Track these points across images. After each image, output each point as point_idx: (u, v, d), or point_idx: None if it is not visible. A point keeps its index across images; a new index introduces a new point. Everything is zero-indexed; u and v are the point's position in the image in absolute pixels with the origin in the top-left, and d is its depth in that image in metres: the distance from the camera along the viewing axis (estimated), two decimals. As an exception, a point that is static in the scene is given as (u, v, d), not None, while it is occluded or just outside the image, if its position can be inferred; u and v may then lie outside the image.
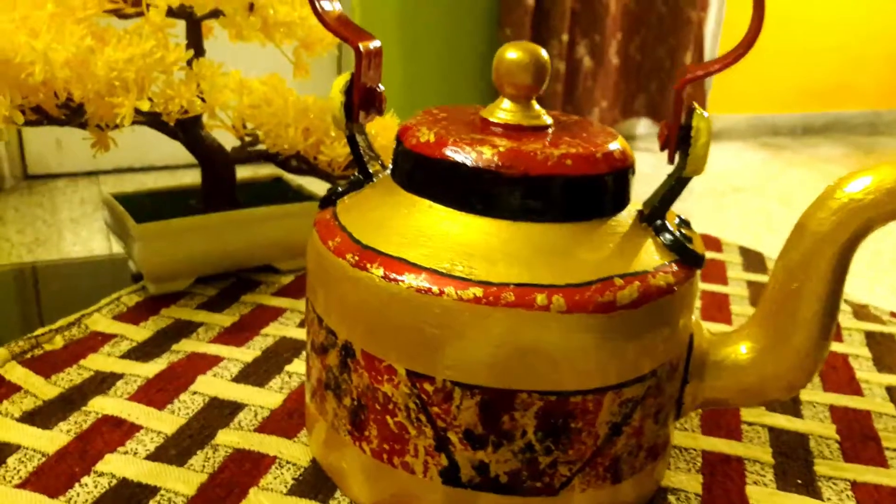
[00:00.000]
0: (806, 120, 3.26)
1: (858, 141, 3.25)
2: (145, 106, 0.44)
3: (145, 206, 0.57)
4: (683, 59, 2.83)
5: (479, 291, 0.30)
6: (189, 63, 0.49)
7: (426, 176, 0.34)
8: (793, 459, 0.42)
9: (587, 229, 0.33)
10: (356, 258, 0.32)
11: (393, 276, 0.31)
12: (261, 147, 0.58)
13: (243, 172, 0.61)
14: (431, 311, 0.30)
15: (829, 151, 3.08)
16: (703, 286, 0.62)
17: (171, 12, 0.49)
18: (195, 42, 0.52)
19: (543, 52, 0.35)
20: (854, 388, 0.50)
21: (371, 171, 0.39)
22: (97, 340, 0.48)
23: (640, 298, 0.31)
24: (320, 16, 0.36)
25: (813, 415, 0.46)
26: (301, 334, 0.51)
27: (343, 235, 0.34)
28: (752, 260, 0.68)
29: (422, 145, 0.34)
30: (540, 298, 0.30)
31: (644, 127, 3.02)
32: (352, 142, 0.39)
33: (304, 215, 0.58)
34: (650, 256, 0.33)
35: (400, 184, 0.35)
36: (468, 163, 0.32)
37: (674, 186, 0.34)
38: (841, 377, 0.51)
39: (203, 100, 0.48)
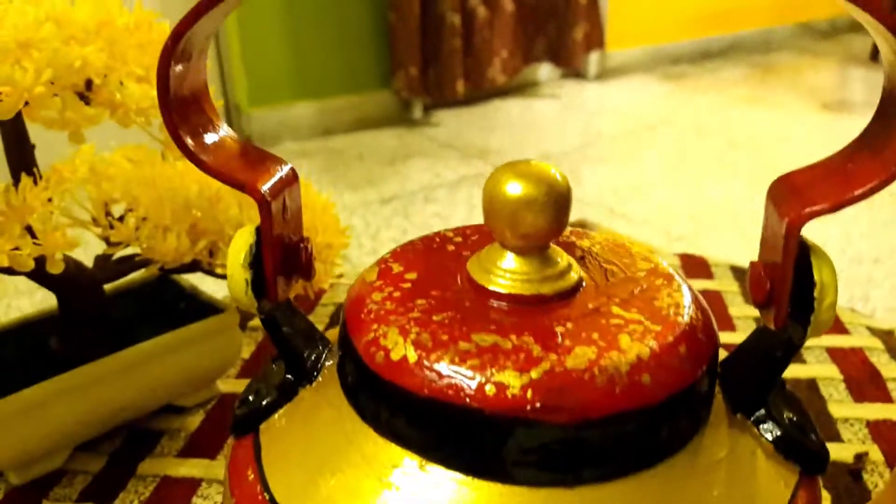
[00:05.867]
0: (704, 45, 3.23)
1: (756, 60, 3.24)
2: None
3: (-15, 360, 0.42)
4: (579, -2, 2.72)
5: None
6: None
7: (409, 419, 0.21)
8: None
9: (677, 473, 0.20)
10: (316, 589, 0.19)
11: None
12: (134, 249, 0.43)
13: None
14: None
15: (730, 74, 3.06)
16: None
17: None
18: (14, 140, 0.37)
19: (556, 174, 0.22)
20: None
21: (306, 360, 0.25)
22: None
23: (786, 585, 0.19)
24: (207, 168, 0.22)
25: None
26: (230, 525, 0.37)
27: (285, 529, 0.21)
28: (752, 284, 0.57)
29: (396, 368, 0.20)
30: None
31: (546, 71, 2.92)
32: (271, 327, 0.25)
33: (207, 337, 0.43)
34: (772, 488, 0.21)
35: (361, 414, 0.22)
36: (482, 406, 0.19)
37: (780, 358, 0.22)
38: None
39: (37, 240, 0.33)
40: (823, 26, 3.54)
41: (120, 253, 0.44)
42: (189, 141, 0.23)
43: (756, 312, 0.52)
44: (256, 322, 0.54)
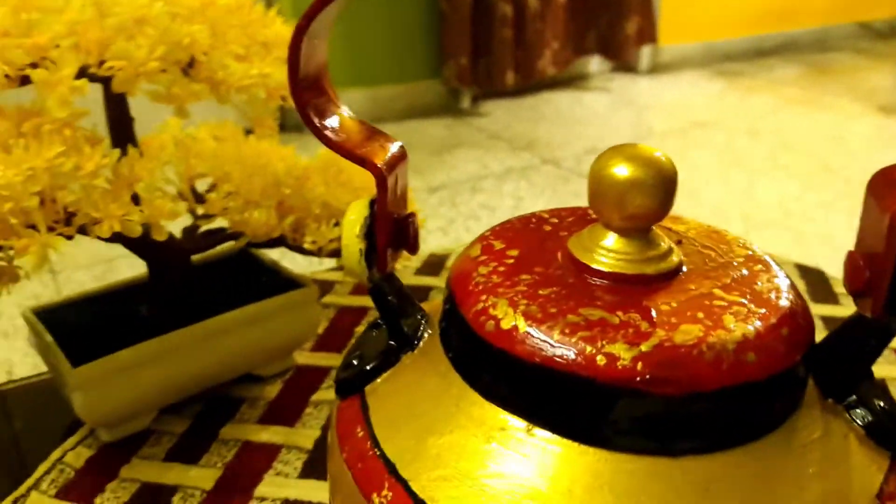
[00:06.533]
0: (758, 42, 3.17)
1: (811, 59, 3.18)
2: (60, 245, 0.31)
3: (79, 322, 0.44)
4: (632, -9, 2.70)
5: None
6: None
7: (519, 386, 0.22)
8: None
9: (774, 450, 0.21)
10: (430, 540, 0.21)
11: (501, 581, 0.19)
12: (220, 223, 0.45)
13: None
14: None
15: (784, 73, 3.01)
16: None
17: (83, 74, 0.35)
18: (118, 114, 0.39)
19: (663, 157, 0.23)
20: None
21: (406, 329, 0.27)
22: (38, 541, 0.36)
23: (880, 561, 0.20)
24: (328, 142, 0.24)
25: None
26: (309, 491, 0.39)
27: (395, 486, 0.22)
28: (817, 283, 0.57)
29: (506, 336, 0.22)
30: None
31: (596, 64, 2.90)
32: (378, 296, 0.26)
33: (288, 310, 0.45)
34: (864, 471, 0.22)
35: (468, 380, 0.23)
36: (593, 375, 0.20)
37: (875, 346, 0.23)
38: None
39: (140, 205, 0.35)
40: (882, 27, 3.46)
41: (205, 227, 0.46)
42: (314, 118, 0.24)
43: (823, 311, 0.53)
44: (329, 299, 0.56)
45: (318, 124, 0.24)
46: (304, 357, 0.49)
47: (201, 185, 0.47)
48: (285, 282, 0.47)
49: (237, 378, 0.47)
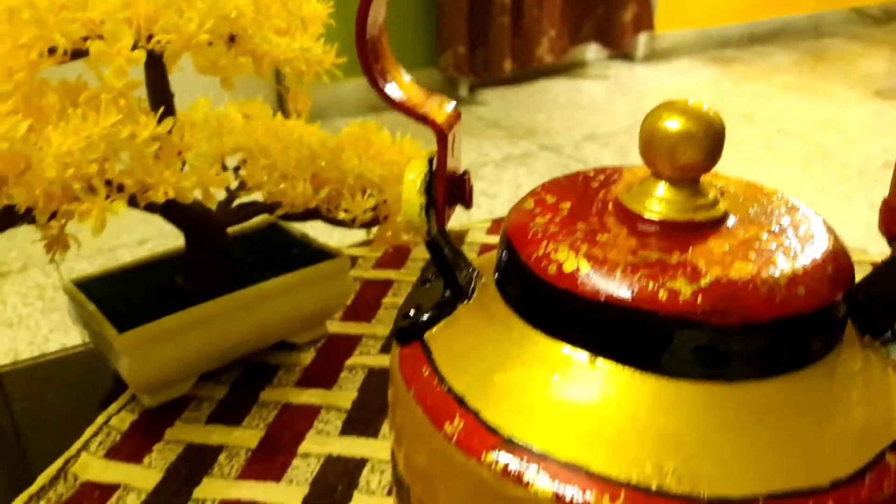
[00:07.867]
0: (753, 28, 3.19)
1: (807, 45, 3.20)
2: (121, 209, 0.32)
3: (119, 293, 0.45)
4: (629, -21, 2.71)
5: (710, 513, 0.20)
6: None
7: (582, 323, 0.23)
8: None
9: (821, 377, 0.23)
10: (502, 464, 0.22)
11: (574, 498, 0.21)
12: (255, 197, 0.46)
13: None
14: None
15: (779, 59, 3.03)
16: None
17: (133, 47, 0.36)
18: (160, 87, 0.40)
19: (710, 111, 0.25)
20: None
21: (460, 281, 0.28)
22: (93, 498, 0.37)
23: (921, 478, 0.22)
24: (393, 102, 0.25)
25: None
26: (351, 447, 0.40)
27: (466, 416, 0.23)
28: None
29: (569, 279, 0.23)
30: (805, 516, 0.20)
31: (593, 52, 2.92)
32: (435, 250, 0.28)
33: (321, 280, 0.47)
34: (904, 398, 0.24)
35: (527, 319, 0.25)
36: (656, 309, 0.22)
37: (911, 286, 0.25)
38: None
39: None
40: (877, 12, 3.48)
41: (239, 199, 0.48)
42: (379, 79, 0.25)
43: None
44: (354, 273, 0.57)
45: (381, 85, 0.25)
46: (335, 326, 0.51)
47: (230, 162, 0.49)
48: (316, 253, 0.48)
49: (272, 346, 0.48)
